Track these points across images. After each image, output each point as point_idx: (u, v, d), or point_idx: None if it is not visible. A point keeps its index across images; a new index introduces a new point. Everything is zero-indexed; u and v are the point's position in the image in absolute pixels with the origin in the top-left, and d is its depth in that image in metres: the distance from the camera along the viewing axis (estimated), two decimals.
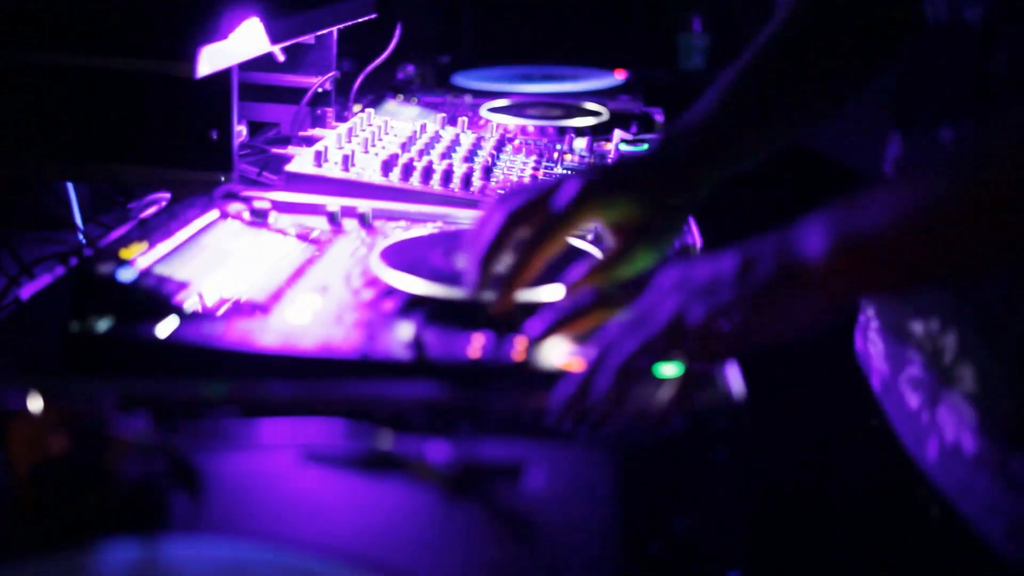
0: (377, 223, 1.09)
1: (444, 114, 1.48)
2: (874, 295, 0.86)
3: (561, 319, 0.73)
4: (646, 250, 0.79)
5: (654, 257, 0.79)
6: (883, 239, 0.61)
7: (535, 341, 0.72)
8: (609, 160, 0.86)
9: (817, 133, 0.98)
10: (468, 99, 1.84)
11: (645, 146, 1.49)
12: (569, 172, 0.77)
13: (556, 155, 1.40)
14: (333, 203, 1.10)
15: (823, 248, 0.62)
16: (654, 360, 0.67)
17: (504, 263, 0.78)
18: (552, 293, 0.80)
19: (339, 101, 1.58)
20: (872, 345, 0.90)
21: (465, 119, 1.48)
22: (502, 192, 1.14)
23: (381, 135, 1.32)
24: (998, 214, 0.59)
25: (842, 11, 0.87)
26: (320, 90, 1.44)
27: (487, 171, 1.22)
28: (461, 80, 2.04)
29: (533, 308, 0.76)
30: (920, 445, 0.82)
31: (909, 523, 0.86)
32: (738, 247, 0.66)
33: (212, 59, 0.97)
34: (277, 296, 0.86)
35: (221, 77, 1.03)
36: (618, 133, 1.55)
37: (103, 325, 0.77)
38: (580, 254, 0.97)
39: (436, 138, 1.36)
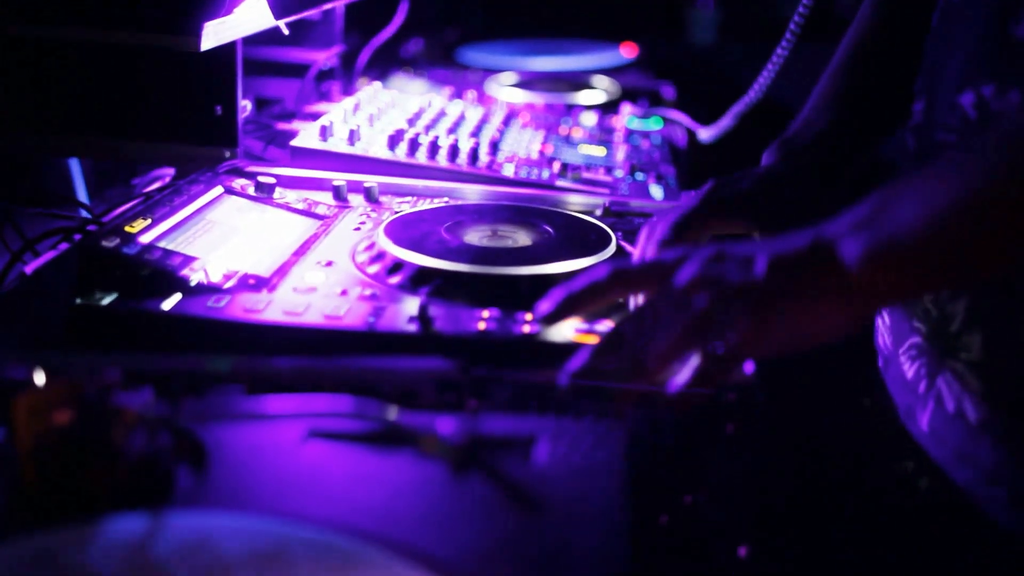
0: (383, 198, 1.08)
1: (451, 89, 1.47)
2: (915, 298, 0.82)
3: (574, 298, 0.70)
4: None
5: None
6: (921, 243, 0.59)
7: (546, 321, 0.70)
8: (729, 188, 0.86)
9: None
10: (475, 74, 1.82)
11: (656, 120, 1.48)
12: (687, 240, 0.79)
13: (564, 130, 1.39)
14: (339, 178, 1.09)
15: (859, 256, 0.59)
16: (678, 354, 0.65)
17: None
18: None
19: (345, 76, 1.57)
20: (879, 318, 0.90)
21: (472, 94, 1.47)
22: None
23: (387, 110, 1.31)
24: None
25: (903, 19, 0.92)
26: (326, 65, 1.43)
27: (494, 146, 1.21)
28: (468, 55, 2.03)
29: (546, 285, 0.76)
30: (912, 415, 0.82)
31: (904, 498, 0.85)
32: (768, 246, 0.63)
33: (216, 33, 0.96)
34: (282, 271, 0.85)
35: (225, 51, 1.02)
36: (627, 108, 1.53)
37: (107, 299, 0.76)
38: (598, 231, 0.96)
39: (442, 113, 1.35)
